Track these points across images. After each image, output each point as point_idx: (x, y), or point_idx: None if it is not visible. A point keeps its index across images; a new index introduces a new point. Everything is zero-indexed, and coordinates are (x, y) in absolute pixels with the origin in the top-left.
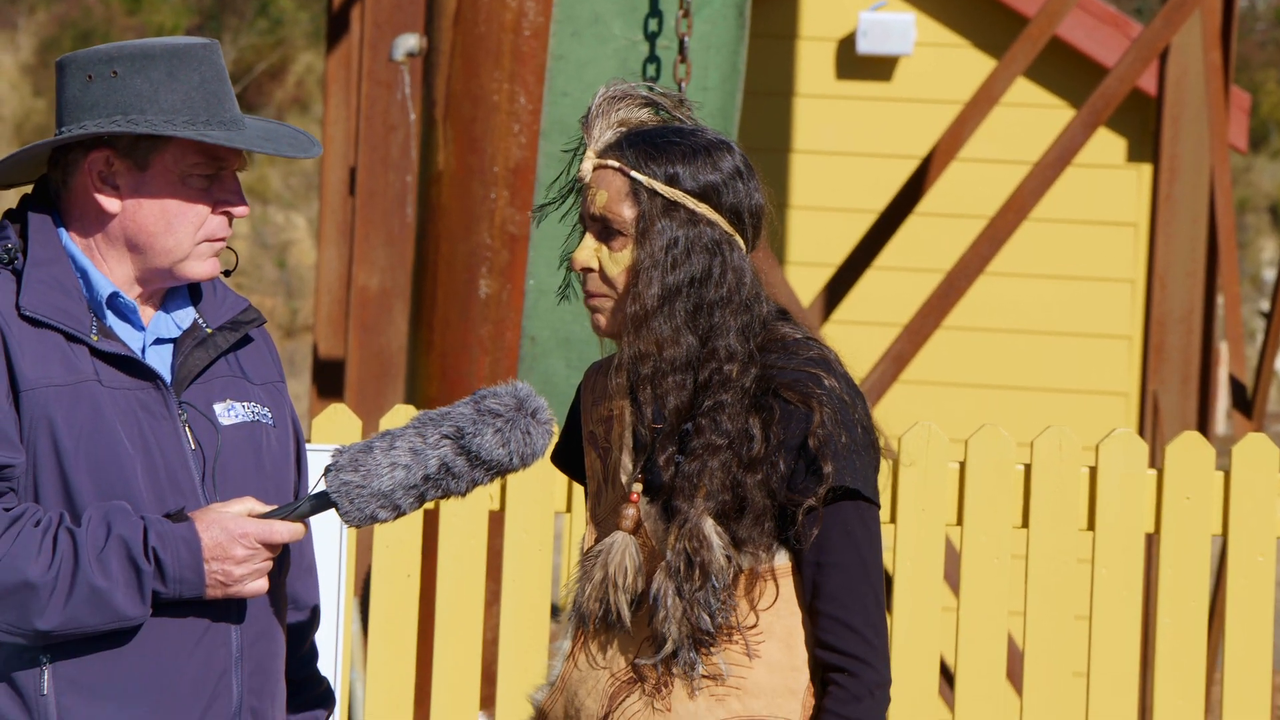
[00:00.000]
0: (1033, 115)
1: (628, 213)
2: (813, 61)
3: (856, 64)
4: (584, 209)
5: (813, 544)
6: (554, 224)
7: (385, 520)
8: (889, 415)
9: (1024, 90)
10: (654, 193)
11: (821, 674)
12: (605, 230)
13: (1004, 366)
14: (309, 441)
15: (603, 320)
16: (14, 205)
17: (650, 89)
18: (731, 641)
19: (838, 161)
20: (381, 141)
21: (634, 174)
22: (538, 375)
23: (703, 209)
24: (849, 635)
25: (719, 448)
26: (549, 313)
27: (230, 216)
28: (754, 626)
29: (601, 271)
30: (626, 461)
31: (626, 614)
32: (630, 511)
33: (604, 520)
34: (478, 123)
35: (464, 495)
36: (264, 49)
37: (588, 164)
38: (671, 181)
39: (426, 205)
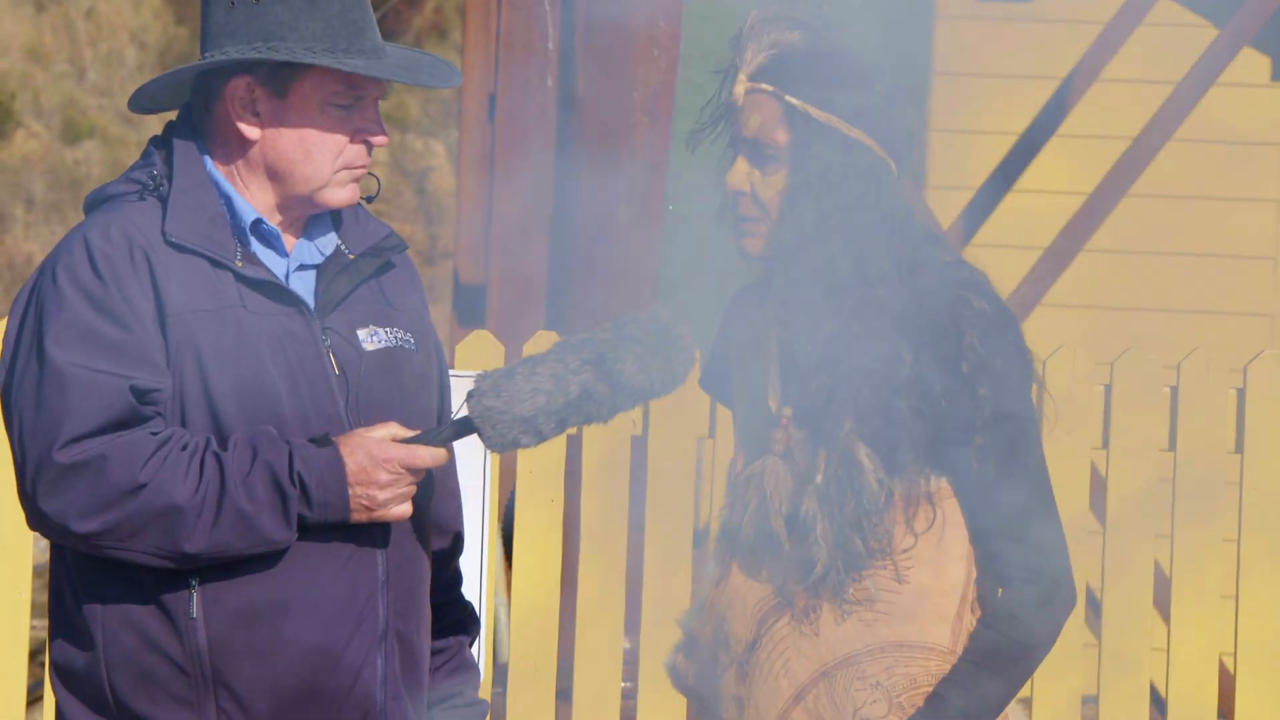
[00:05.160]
0: (1176, 34)
1: (781, 137)
2: None
3: None
4: (736, 132)
5: (980, 469)
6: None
7: (528, 445)
8: (1031, 339)
9: (1167, 9)
10: (808, 117)
11: (998, 584)
12: (758, 154)
13: (1146, 289)
14: (452, 368)
15: (753, 244)
16: (159, 132)
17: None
18: (881, 566)
19: (978, 83)
20: (521, 68)
21: (787, 98)
22: (674, 300)
23: (855, 133)
24: (1028, 551)
25: (871, 371)
26: (686, 238)
27: (369, 145)
28: (907, 550)
29: (754, 194)
30: (774, 386)
31: (780, 538)
32: (780, 436)
33: (752, 444)
34: (617, 48)
35: (605, 421)
36: None
37: (740, 87)
38: (825, 106)
39: (566, 131)
